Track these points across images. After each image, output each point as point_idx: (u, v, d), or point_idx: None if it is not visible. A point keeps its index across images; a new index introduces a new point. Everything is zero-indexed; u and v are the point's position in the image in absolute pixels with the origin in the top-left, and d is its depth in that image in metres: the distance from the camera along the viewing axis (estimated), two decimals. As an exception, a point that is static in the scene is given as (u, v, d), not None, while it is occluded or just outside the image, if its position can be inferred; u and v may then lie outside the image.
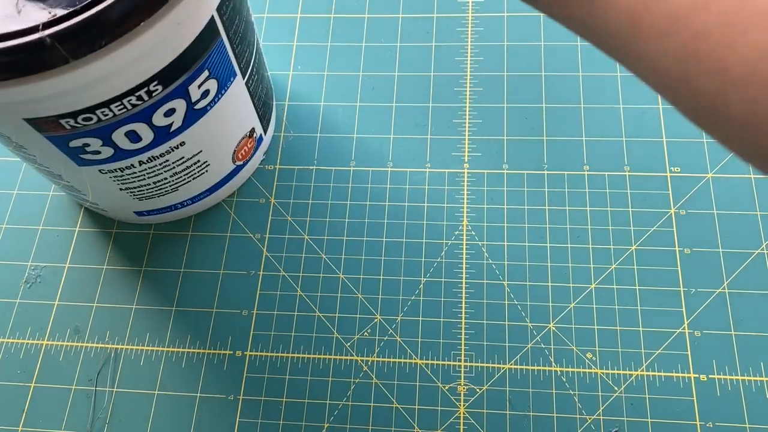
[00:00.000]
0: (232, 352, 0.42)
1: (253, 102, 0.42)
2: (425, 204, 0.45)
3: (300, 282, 0.43)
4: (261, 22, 0.52)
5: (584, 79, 0.48)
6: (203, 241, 0.45)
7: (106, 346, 0.42)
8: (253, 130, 0.43)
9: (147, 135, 0.35)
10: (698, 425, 0.38)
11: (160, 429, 0.40)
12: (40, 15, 0.27)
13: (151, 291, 0.44)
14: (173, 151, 0.37)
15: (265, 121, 0.45)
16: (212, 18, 0.33)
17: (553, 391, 0.40)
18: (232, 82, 0.38)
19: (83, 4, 0.27)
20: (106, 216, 0.46)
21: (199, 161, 0.40)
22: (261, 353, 0.42)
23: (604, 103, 0.47)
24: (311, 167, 0.47)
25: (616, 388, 0.39)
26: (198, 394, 0.41)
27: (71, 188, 0.41)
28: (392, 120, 0.48)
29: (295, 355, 0.41)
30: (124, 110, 0.32)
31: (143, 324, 0.43)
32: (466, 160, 0.46)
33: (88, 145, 0.34)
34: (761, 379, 0.39)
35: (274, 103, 0.48)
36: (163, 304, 0.43)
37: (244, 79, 0.39)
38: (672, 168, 0.45)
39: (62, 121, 0.31)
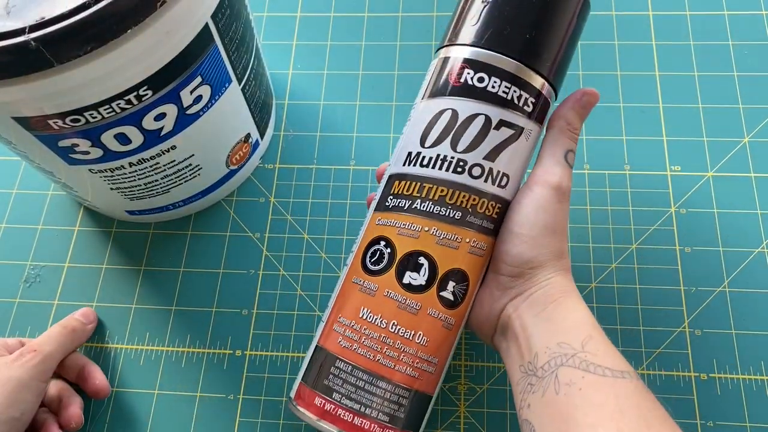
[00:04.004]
0: (231, 351, 0.42)
1: (249, 107, 0.41)
2: (425, 203, 0.45)
3: (300, 281, 0.43)
4: (260, 21, 0.52)
5: (584, 77, 0.48)
6: (203, 240, 0.45)
7: (106, 345, 0.42)
8: (248, 136, 0.43)
9: (137, 138, 0.35)
10: (699, 424, 0.38)
11: (160, 428, 0.40)
12: (28, 17, 0.27)
13: (150, 290, 0.44)
14: (164, 154, 0.37)
15: (262, 125, 0.45)
16: (206, 25, 0.32)
17: (554, 390, 0.39)
18: (226, 88, 0.37)
19: (71, 8, 0.27)
20: (100, 213, 0.46)
21: (190, 165, 0.40)
22: (261, 352, 0.42)
23: (604, 101, 0.47)
24: (311, 166, 0.47)
25: (616, 387, 0.39)
26: (198, 394, 0.41)
27: (65, 185, 0.41)
28: (392, 119, 0.48)
29: (295, 354, 0.41)
30: (113, 113, 0.32)
31: (143, 323, 0.43)
32: (466, 159, 0.46)
33: (77, 145, 0.34)
34: (762, 378, 0.39)
35: (274, 103, 0.48)
36: (163, 304, 0.43)
37: (240, 84, 0.39)
38: (672, 167, 0.45)
39: (50, 122, 0.31)
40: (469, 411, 0.40)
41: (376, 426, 0.31)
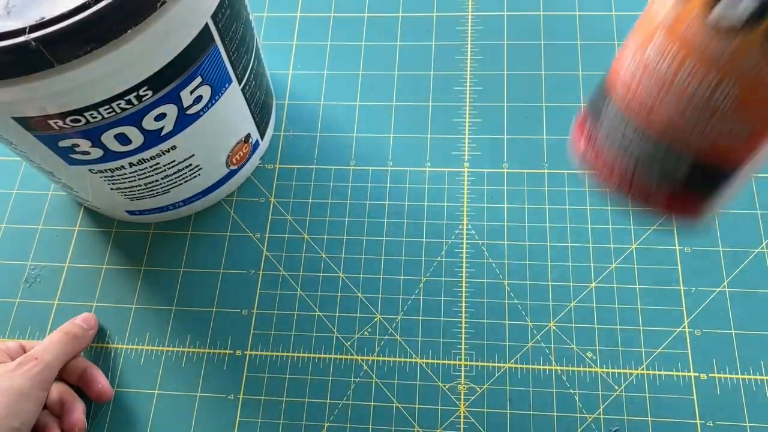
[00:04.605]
0: (232, 351, 0.42)
1: (249, 107, 0.41)
2: (425, 203, 0.45)
3: (300, 281, 0.43)
4: (260, 21, 0.52)
5: (584, 77, 0.48)
6: (203, 241, 0.45)
7: (106, 345, 0.42)
8: (248, 136, 0.43)
9: (137, 138, 0.35)
10: (698, 424, 0.38)
11: (160, 428, 0.40)
12: (28, 17, 0.27)
13: (150, 290, 0.44)
14: (164, 154, 0.37)
15: (262, 125, 0.45)
16: (206, 25, 0.32)
17: (554, 390, 0.40)
18: (227, 89, 0.37)
19: (71, 8, 0.27)
20: (101, 213, 0.46)
21: (190, 165, 0.40)
22: (261, 352, 0.42)
23: (604, 101, 0.47)
24: (311, 166, 0.47)
25: (616, 387, 0.39)
26: (198, 394, 0.41)
27: (65, 185, 0.41)
28: (392, 119, 0.48)
29: (295, 354, 0.41)
30: (113, 113, 0.32)
31: (143, 323, 0.43)
32: (466, 159, 0.46)
33: (77, 145, 0.34)
34: (761, 377, 0.39)
35: (274, 103, 0.48)
36: (163, 304, 0.43)
37: (240, 85, 0.39)
38: (672, 167, 0.45)
39: (51, 122, 0.31)
40: (469, 411, 0.40)
41: (636, 180, 0.25)
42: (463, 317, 0.42)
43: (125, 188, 0.40)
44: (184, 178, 0.41)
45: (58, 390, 0.39)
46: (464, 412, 0.40)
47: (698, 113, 0.23)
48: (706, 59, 0.22)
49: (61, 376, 0.40)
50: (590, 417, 0.39)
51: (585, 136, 0.27)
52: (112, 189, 0.40)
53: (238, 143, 0.42)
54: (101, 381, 0.39)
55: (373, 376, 0.41)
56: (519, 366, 0.40)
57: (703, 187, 0.25)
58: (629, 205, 0.26)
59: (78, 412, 0.38)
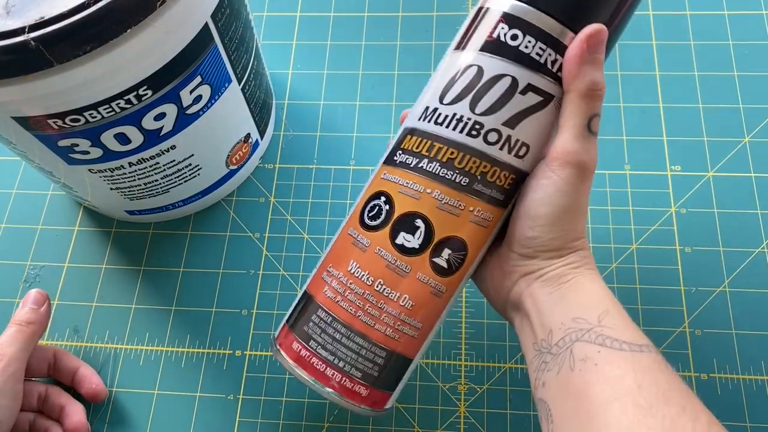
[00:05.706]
0: (231, 351, 0.42)
1: (249, 107, 0.41)
2: (425, 203, 0.45)
3: (300, 281, 0.43)
4: (260, 20, 0.52)
5: (584, 77, 0.48)
6: (203, 241, 0.45)
7: (106, 345, 0.42)
8: (248, 136, 0.43)
9: (136, 138, 0.35)
10: (699, 424, 0.38)
11: (160, 428, 0.40)
12: (28, 17, 0.27)
13: (150, 290, 0.44)
14: (163, 154, 0.37)
15: (262, 125, 0.45)
16: (206, 24, 0.32)
17: (554, 390, 0.39)
18: (226, 88, 0.37)
19: (70, 8, 0.27)
20: (100, 213, 0.46)
21: (190, 165, 0.40)
22: (261, 353, 0.42)
23: (604, 101, 0.47)
24: (311, 166, 0.47)
25: (616, 387, 0.39)
26: (198, 394, 0.41)
27: (64, 185, 0.41)
28: (392, 119, 0.48)
29: (295, 354, 0.41)
30: (113, 113, 0.32)
31: (143, 323, 0.43)
32: (466, 159, 0.46)
33: (77, 145, 0.34)
34: (761, 377, 0.39)
35: (274, 104, 0.48)
36: (163, 304, 0.43)
37: (240, 84, 0.39)
38: (672, 167, 0.45)
39: (50, 122, 0.31)
40: (469, 411, 0.40)
41: (346, 379, 0.30)
42: (463, 317, 0.42)
43: (125, 188, 0.39)
44: (183, 178, 0.41)
45: (55, 393, 0.38)
46: (464, 413, 0.40)
47: (387, 317, 0.30)
48: (392, 275, 0.30)
49: (56, 378, 0.39)
50: (590, 417, 0.39)
51: (295, 339, 0.32)
52: (111, 189, 0.40)
53: (237, 143, 0.42)
54: (95, 381, 0.39)
55: (373, 376, 0.41)
56: (519, 366, 0.40)
57: (392, 377, 0.31)
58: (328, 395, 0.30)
59: (79, 415, 0.37)
